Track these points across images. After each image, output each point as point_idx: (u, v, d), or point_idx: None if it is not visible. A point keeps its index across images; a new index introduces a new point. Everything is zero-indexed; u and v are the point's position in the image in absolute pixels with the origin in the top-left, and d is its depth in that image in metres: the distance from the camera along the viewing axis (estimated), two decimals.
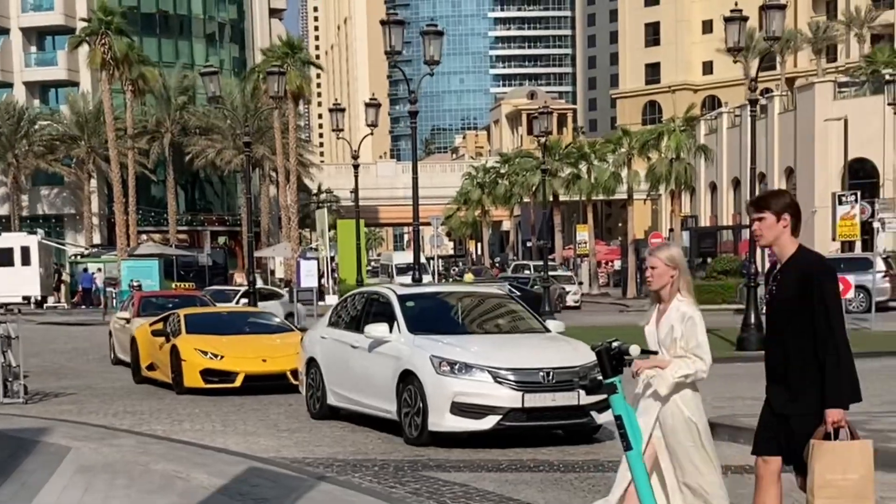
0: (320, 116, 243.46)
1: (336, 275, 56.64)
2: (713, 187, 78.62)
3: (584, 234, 77.27)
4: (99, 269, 57.56)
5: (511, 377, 12.34)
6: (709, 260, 53.48)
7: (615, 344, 5.76)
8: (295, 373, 18.06)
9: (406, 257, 72.89)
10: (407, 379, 12.87)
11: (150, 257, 55.95)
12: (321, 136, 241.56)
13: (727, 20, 25.56)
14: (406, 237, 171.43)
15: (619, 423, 5.74)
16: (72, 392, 19.25)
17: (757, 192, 28.65)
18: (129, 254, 60.10)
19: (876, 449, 6.40)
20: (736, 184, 79.82)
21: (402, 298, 14.19)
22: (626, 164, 60.32)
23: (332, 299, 49.05)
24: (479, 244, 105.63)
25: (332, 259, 60.76)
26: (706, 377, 6.95)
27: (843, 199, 49.95)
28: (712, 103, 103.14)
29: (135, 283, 43.20)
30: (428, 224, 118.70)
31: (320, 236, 54.09)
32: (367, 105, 33.54)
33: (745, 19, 25.66)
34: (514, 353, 12.86)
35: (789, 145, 71.18)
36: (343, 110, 35.98)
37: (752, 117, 26.75)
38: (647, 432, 6.69)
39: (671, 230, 51.52)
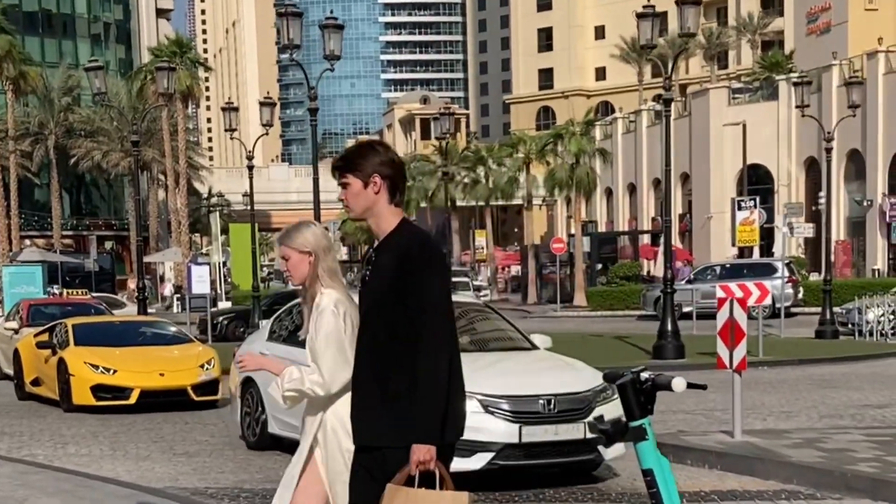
0: (209, 121, 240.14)
1: (229, 280, 54.92)
2: (608, 192, 78.43)
3: (481, 239, 76.53)
4: None
5: (505, 406, 10.10)
6: (608, 265, 52.92)
7: (645, 375, 4.17)
8: (196, 388, 17.28)
9: None
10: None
11: (33, 263, 53.50)
12: (210, 139, 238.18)
13: (640, 16, 24.73)
14: None
15: (648, 480, 4.17)
16: None
17: (666, 196, 28.00)
18: (11, 259, 57.62)
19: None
20: (632, 189, 79.77)
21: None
22: (524, 168, 59.56)
23: (224, 305, 47.44)
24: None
25: (224, 264, 59.00)
26: (323, 395, 5.22)
27: (742, 204, 49.84)
28: (605, 109, 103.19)
29: (55, 291, 41.07)
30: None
31: (213, 240, 52.33)
32: (262, 104, 32.19)
33: (659, 15, 24.90)
34: (505, 376, 10.64)
35: (684, 151, 71.24)
36: (236, 109, 34.56)
37: (666, 117, 26.18)
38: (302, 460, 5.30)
39: (571, 235, 50.90)
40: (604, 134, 77.83)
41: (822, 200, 61.31)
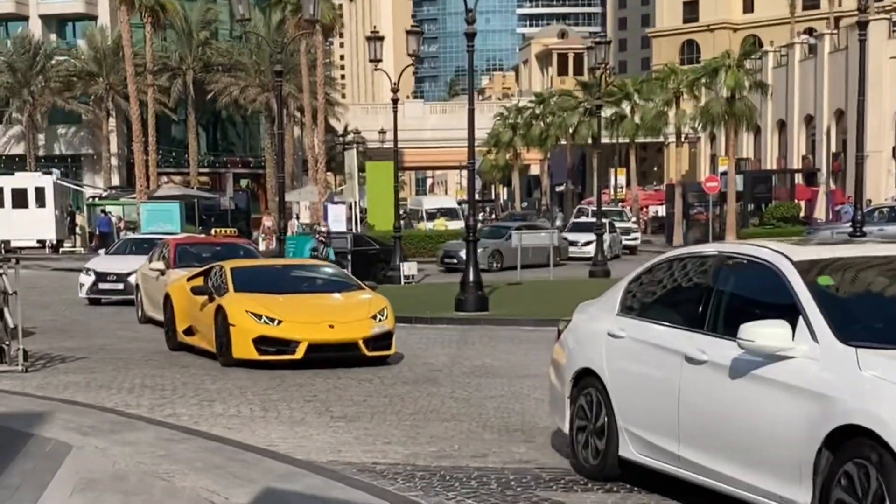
0: (342, 58, 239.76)
1: (365, 220, 53.77)
2: (756, 130, 75.38)
3: (622, 177, 74.19)
4: (110, 213, 54.66)
5: None
6: (762, 206, 50.33)
7: None
8: (368, 341, 15.34)
9: (437, 202, 70.13)
10: (847, 444, 6.13)
11: (170, 199, 53.15)
12: (342, 76, 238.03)
13: None
14: (430, 181, 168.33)
15: None
16: (81, 357, 16.50)
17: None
18: (149, 196, 57.33)
19: None
20: (781, 126, 76.58)
21: (810, 270, 7.08)
22: (674, 102, 57.02)
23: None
24: (507, 189, 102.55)
25: (355, 205, 57.84)
26: None
27: None
28: (753, 43, 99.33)
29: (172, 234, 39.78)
30: (456, 168, 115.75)
31: (348, 179, 51.05)
32: (409, 32, 30.43)
33: None
34: None
35: (840, 87, 67.88)
36: (381, 38, 32.80)
37: (860, 41, 23.57)
38: None
39: (723, 174, 48.43)
40: (753, 69, 74.64)
41: None
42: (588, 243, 40.38)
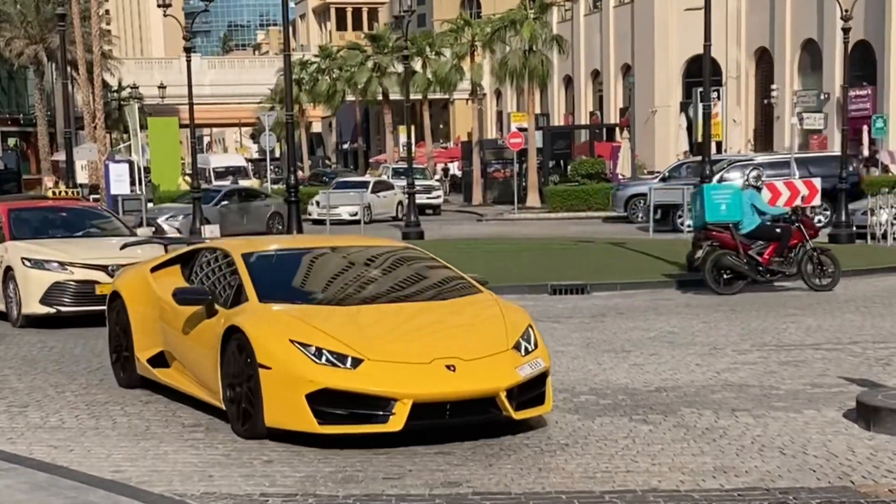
0: (107, 13, 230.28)
1: (149, 180, 50.61)
2: (543, 86, 74.99)
3: (403, 136, 72.55)
4: None
5: None
6: (562, 163, 49.51)
7: None
8: (512, 392, 8.46)
9: (224, 160, 67.43)
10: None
11: None
12: (109, 31, 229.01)
13: None
14: (207, 139, 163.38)
15: None
16: None
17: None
18: None
19: None
20: (568, 81, 76.49)
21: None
22: (468, 56, 55.61)
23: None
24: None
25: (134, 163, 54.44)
26: None
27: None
28: None
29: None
30: (237, 125, 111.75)
31: (133, 136, 47.81)
32: None
33: None
34: None
35: (626, 41, 68.05)
36: None
37: None
38: None
39: (521, 130, 47.30)
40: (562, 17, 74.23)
41: (775, 93, 58.99)
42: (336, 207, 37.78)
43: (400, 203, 44.29)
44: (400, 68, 62.15)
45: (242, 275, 9.54)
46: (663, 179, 36.71)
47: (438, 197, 48.67)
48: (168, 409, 10.01)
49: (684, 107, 58.64)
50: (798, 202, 20.51)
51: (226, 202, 36.24)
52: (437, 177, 60.23)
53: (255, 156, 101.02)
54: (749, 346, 12.63)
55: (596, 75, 73.71)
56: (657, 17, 64.55)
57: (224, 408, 9.05)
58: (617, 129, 58.78)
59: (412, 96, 65.46)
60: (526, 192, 47.09)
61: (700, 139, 46.53)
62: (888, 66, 50.87)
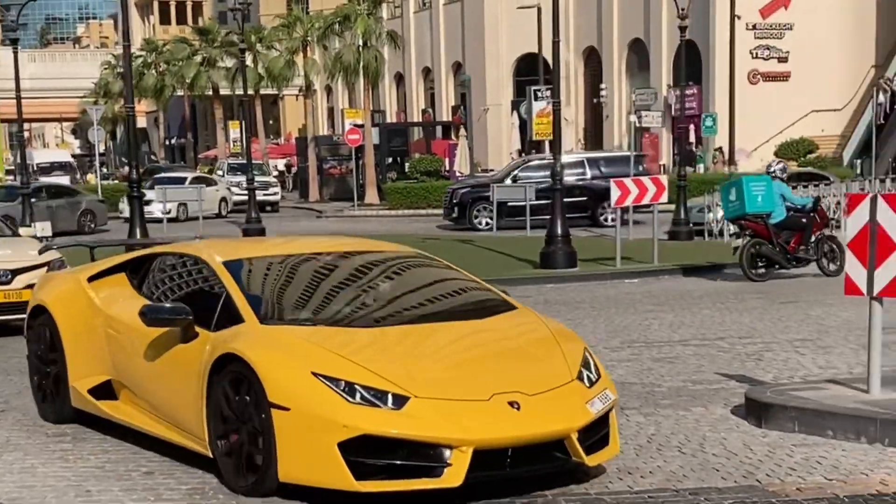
0: None
1: None
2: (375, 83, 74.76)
3: (236, 130, 71.47)
4: None
5: None
6: (399, 160, 49.33)
7: None
8: (583, 432, 6.95)
9: (49, 155, 65.48)
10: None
11: None
12: None
13: None
14: (26, 134, 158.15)
15: None
16: None
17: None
18: None
19: None
20: (399, 78, 76.33)
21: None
22: (301, 51, 54.90)
23: None
24: (114, 143, 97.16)
25: None
26: None
27: (539, 94, 47.10)
28: None
29: None
30: (59, 119, 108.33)
31: None
32: None
33: None
34: None
35: (457, 39, 68.23)
36: None
37: None
38: None
39: (357, 126, 46.88)
40: (392, 14, 73.91)
41: (604, 93, 59.96)
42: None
43: (223, 200, 43.51)
44: (229, 63, 61.40)
45: (230, 288, 7.63)
46: (515, 180, 35.03)
47: (276, 193, 47.97)
48: (24, 415, 9.38)
49: (515, 105, 59.01)
50: (647, 200, 20.65)
51: (32, 199, 32.91)
52: (275, 173, 59.39)
53: (78, 151, 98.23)
54: (619, 343, 12.59)
55: (427, 73, 73.76)
56: (487, 15, 64.89)
57: (211, 455, 7.25)
58: (452, 127, 58.89)
59: (239, 92, 64.68)
60: (364, 189, 46.74)
61: (534, 137, 47.46)
62: (713, 65, 52.12)
